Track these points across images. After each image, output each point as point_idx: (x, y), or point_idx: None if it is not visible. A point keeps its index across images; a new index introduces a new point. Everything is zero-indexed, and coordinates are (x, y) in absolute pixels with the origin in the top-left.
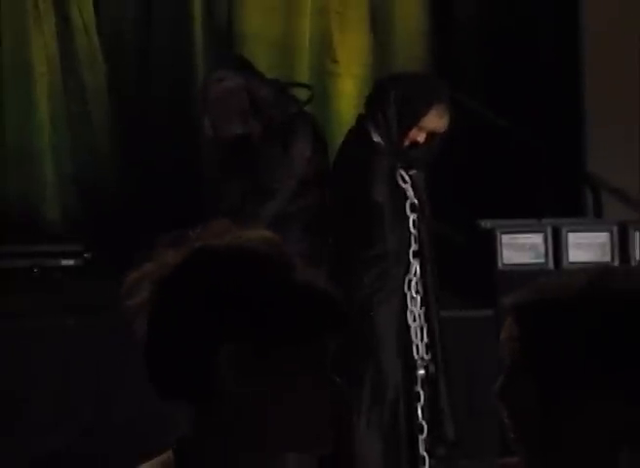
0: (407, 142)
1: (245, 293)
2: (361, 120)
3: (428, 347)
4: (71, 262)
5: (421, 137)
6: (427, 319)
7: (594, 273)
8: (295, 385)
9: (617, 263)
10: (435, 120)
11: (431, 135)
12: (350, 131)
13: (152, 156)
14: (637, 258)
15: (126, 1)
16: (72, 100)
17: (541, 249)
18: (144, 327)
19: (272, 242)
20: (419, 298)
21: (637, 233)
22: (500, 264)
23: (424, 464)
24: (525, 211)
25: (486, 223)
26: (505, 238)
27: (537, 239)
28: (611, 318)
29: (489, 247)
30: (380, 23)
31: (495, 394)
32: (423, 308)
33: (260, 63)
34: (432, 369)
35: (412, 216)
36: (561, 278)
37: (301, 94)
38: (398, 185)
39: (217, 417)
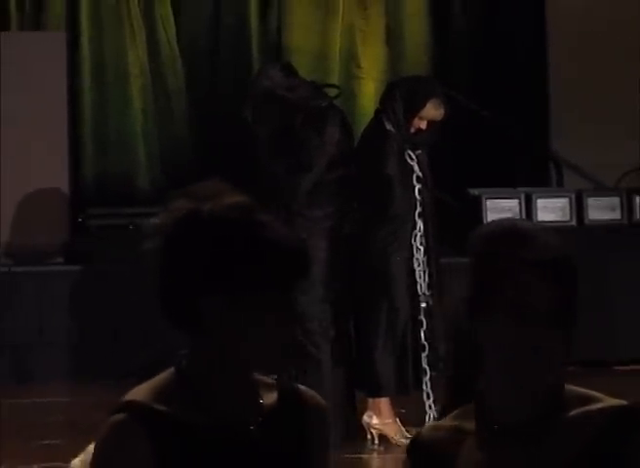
0: (413, 129)
1: (222, 255)
2: (377, 113)
3: (429, 285)
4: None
5: (423, 125)
6: (428, 264)
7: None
8: (262, 322)
9: (574, 222)
10: (432, 111)
11: (431, 123)
12: (370, 121)
13: (219, 140)
14: (589, 217)
15: (199, 20)
16: (158, 97)
17: (517, 211)
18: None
19: (246, 206)
20: (422, 249)
21: (589, 198)
22: (484, 223)
23: (426, 374)
24: (503, 181)
25: (474, 191)
26: (489, 202)
27: (513, 203)
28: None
29: (476, 209)
30: (393, 38)
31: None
32: (426, 256)
33: (302, 69)
34: (431, 302)
35: (417, 186)
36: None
37: (332, 92)
38: (406, 162)
39: (203, 347)
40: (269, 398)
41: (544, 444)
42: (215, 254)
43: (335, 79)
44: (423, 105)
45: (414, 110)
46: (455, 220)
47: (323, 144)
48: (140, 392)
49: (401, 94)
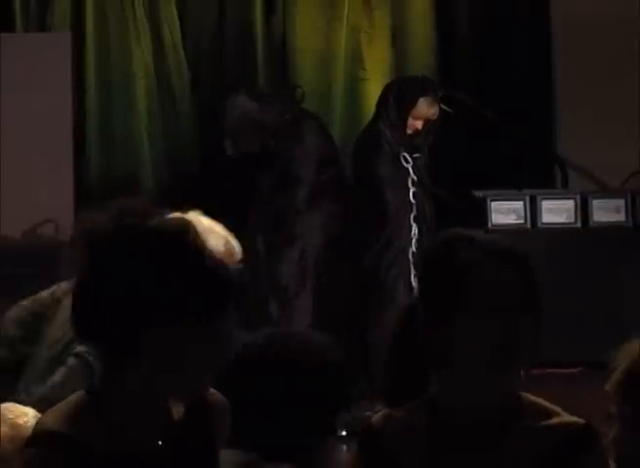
0: (410, 131)
1: (160, 282)
2: (374, 116)
3: None
4: None
5: (419, 125)
6: None
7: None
8: (187, 352)
9: (579, 224)
10: (425, 109)
11: (428, 122)
12: (367, 124)
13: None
14: (594, 219)
15: (204, 23)
16: (163, 99)
17: (522, 213)
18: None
19: (182, 229)
20: (417, 252)
21: (594, 200)
22: (489, 224)
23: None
24: (508, 182)
25: (479, 193)
26: (494, 204)
27: (518, 205)
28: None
29: (481, 211)
30: (398, 39)
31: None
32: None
33: (307, 71)
34: None
35: (412, 189)
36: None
37: (297, 93)
38: (401, 165)
39: (122, 371)
40: (178, 412)
41: (497, 450)
42: (145, 277)
43: (339, 81)
44: (415, 103)
45: (406, 110)
46: (460, 223)
47: (306, 152)
48: (49, 418)
49: (393, 95)
